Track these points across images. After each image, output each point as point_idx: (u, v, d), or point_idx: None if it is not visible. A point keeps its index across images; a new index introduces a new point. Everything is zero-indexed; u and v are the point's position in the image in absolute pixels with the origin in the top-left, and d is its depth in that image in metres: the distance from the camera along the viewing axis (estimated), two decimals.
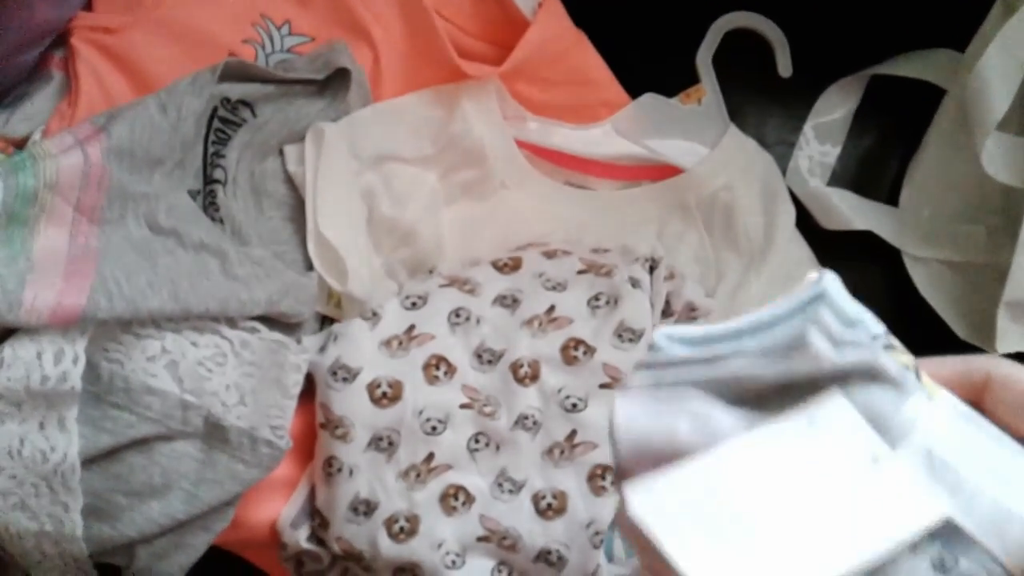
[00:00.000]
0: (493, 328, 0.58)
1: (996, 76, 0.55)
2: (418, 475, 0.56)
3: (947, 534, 0.22)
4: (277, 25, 0.61)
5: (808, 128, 0.67)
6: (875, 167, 0.68)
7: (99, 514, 0.52)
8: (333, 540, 0.56)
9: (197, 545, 0.55)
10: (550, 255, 0.60)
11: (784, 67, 0.65)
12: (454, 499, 0.56)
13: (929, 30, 0.65)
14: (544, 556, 0.55)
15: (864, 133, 0.68)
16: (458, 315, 0.58)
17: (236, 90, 0.58)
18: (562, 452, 0.56)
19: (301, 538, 0.57)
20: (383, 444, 0.56)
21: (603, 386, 0.56)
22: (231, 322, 0.54)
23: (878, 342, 0.23)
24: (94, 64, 0.57)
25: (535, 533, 0.56)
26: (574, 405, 0.56)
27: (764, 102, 0.68)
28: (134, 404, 0.52)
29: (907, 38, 0.65)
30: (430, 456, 0.56)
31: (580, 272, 0.58)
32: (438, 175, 0.62)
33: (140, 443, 0.52)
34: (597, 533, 0.55)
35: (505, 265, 0.59)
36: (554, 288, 0.58)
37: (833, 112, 0.67)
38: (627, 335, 0.56)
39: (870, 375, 0.23)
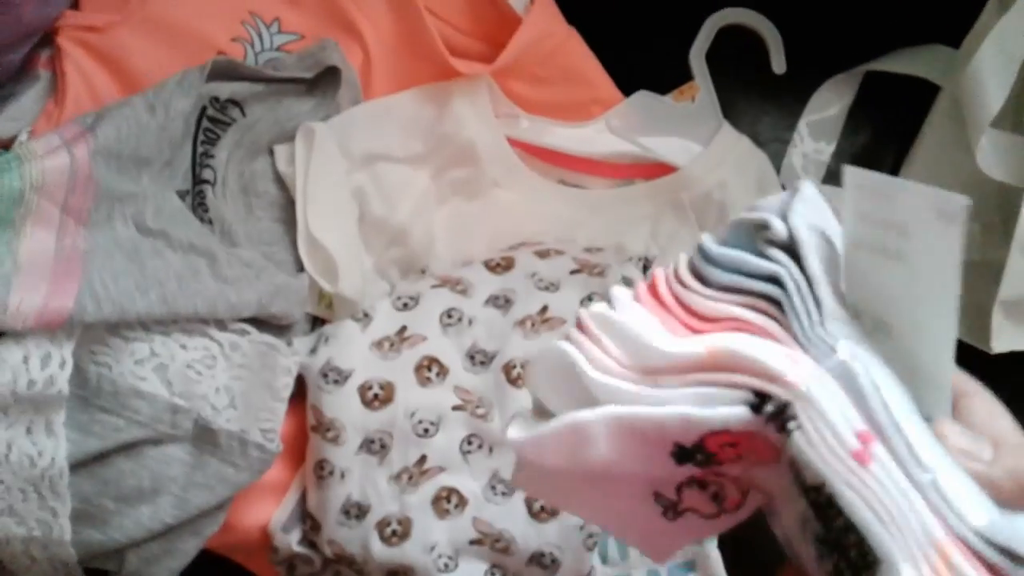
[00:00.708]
0: (485, 329, 0.57)
1: (991, 73, 0.55)
2: (410, 478, 0.55)
3: None
4: (267, 23, 0.60)
5: (802, 125, 0.67)
6: (869, 164, 0.66)
7: (88, 519, 0.51)
8: (325, 543, 0.56)
9: (187, 550, 0.54)
10: (543, 255, 0.59)
11: (778, 64, 0.65)
12: (447, 501, 0.56)
13: (924, 26, 0.65)
14: (537, 558, 0.55)
15: (858, 130, 0.68)
16: (450, 316, 0.57)
17: (225, 89, 0.57)
18: None
19: (293, 542, 0.56)
20: (375, 446, 0.56)
21: None
22: (221, 324, 0.54)
23: None
24: (81, 63, 0.57)
25: (528, 535, 0.55)
26: None
27: (758, 99, 0.68)
28: (122, 408, 0.51)
29: (902, 34, 0.65)
30: (422, 458, 0.56)
31: (573, 272, 0.58)
32: (430, 174, 0.61)
33: (129, 447, 0.52)
34: (591, 535, 0.55)
35: (497, 265, 0.59)
36: (547, 288, 0.57)
37: (827, 109, 0.67)
38: None
39: None
